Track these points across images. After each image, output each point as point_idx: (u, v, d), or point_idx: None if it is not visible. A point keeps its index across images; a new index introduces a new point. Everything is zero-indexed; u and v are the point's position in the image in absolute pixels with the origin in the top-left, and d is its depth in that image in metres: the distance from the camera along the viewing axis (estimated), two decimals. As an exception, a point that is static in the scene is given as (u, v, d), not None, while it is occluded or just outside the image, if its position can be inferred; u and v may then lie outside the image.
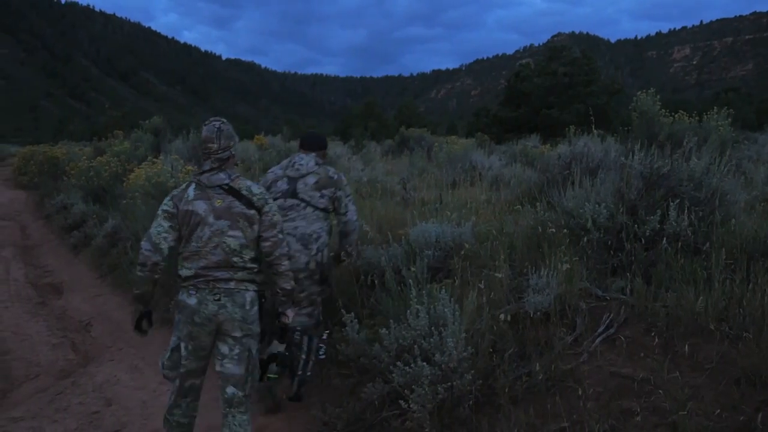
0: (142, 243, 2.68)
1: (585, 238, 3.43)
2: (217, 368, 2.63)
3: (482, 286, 3.21)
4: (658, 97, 8.90)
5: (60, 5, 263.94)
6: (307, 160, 3.54)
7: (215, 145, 2.63)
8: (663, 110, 8.64)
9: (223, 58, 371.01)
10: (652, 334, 2.78)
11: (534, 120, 31.23)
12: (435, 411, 2.66)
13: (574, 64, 33.81)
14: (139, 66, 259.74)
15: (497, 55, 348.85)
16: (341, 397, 3.18)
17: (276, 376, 3.29)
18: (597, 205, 3.48)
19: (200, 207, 2.59)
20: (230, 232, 2.58)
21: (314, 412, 3.20)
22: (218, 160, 2.65)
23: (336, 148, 13.36)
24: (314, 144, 3.66)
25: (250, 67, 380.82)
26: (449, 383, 2.66)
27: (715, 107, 8.95)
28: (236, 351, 2.59)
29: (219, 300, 2.54)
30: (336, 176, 3.57)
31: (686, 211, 3.25)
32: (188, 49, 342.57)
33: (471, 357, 2.76)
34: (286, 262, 2.71)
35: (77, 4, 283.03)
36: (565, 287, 3.11)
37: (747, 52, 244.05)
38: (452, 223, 4.26)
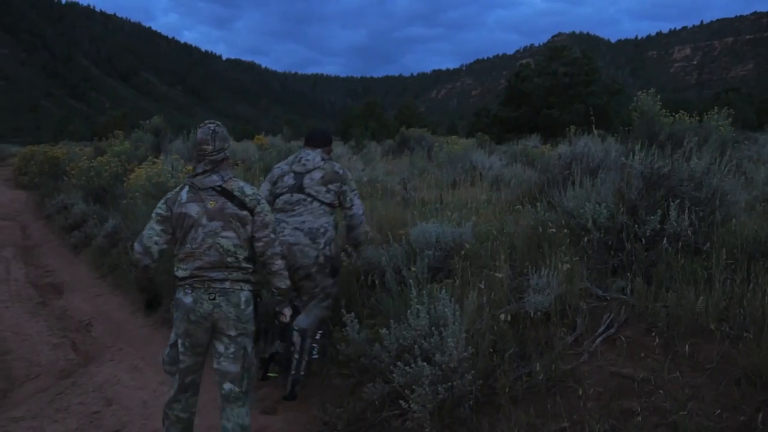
0: (135, 245, 2.76)
1: (585, 238, 3.43)
2: (215, 366, 2.68)
3: (483, 286, 3.20)
4: (659, 97, 8.90)
5: (60, 5, 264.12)
6: (313, 156, 3.60)
7: (210, 147, 2.67)
8: (663, 110, 8.63)
9: (224, 58, 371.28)
10: (653, 334, 2.78)
11: (534, 120, 31.24)
12: (435, 411, 2.66)
13: (575, 64, 33.83)
14: (139, 66, 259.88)
15: (498, 55, 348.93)
16: (342, 397, 3.18)
17: (276, 374, 3.30)
18: (597, 205, 3.47)
19: (193, 209, 2.64)
20: (223, 233, 2.62)
21: (314, 412, 3.21)
22: (212, 162, 2.68)
23: (336, 148, 13.32)
24: (320, 140, 3.73)
25: (251, 67, 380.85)
26: (450, 383, 2.66)
27: (715, 107, 8.96)
28: (231, 350, 2.63)
29: (214, 299, 2.58)
30: (341, 171, 3.64)
31: (687, 211, 3.25)
32: (188, 49, 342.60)
33: (471, 357, 2.76)
34: (279, 261, 2.74)
35: (78, 4, 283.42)
36: (566, 287, 3.11)
37: (747, 52, 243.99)
38: (453, 223, 4.26)
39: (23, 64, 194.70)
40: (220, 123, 2.79)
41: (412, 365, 2.71)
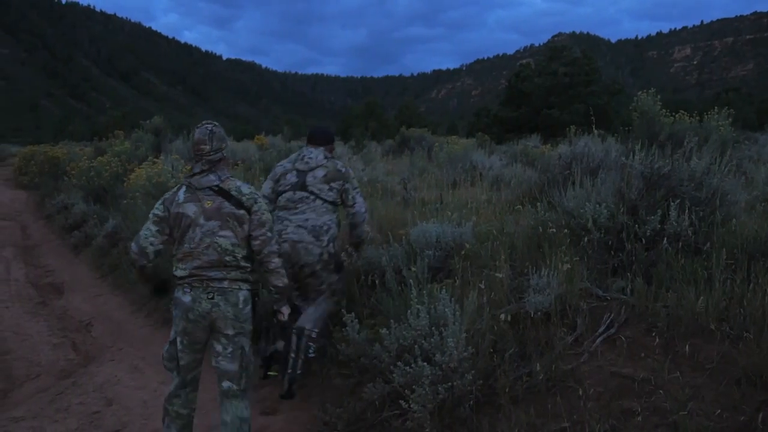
0: (132, 245, 2.79)
1: (585, 238, 3.42)
2: (213, 364, 2.71)
3: (483, 286, 3.20)
4: (659, 97, 8.90)
5: (61, 5, 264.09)
6: (316, 154, 3.63)
7: (207, 147, 2.69)
8: (663, 110, 8.63)
9: (224, 58, 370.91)
10: (653, 334, 2.78)
11: (534, 120, 31.25)
12: (435, 411, 2.66)
13: (575, 64, 33.83)
14: (139, 66, 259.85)
15: (498, 55, 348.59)
16: (342, 397, 3.18)
17: (277, 373, 3.31)
18: (597, 205, 3.47)
19: (190, 209, 2.66)
20: (221, 233, 2.64)
21: (315, 412, 3.21)
22: (209, 162, 2.70)
23: (336, 148, 13.31)
24: (322, 138, 3.76)
25: (251, 67, 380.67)
26: (450, 383, 2.66)
27: (715, 107, 8.95)
28: (230, 350, 2.67)
29: (212, 299, 2.61)
30: (344, 169, 3.67)
31: (687, 211, 3.25)
32: (189, 49, 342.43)
33: (471, 357, 2.76)
34: (276, 260, 2.76)
35: (78, 4, 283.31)
36: (566, 287, 3.11)
37: (747, 52, 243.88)
38: (453, 223, 4.26)
39: (23, 64, 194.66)
40: (217, 123, 2.82)
41: (413, 365, 2.71)
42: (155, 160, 8.18)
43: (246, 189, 2.74)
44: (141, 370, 4.24)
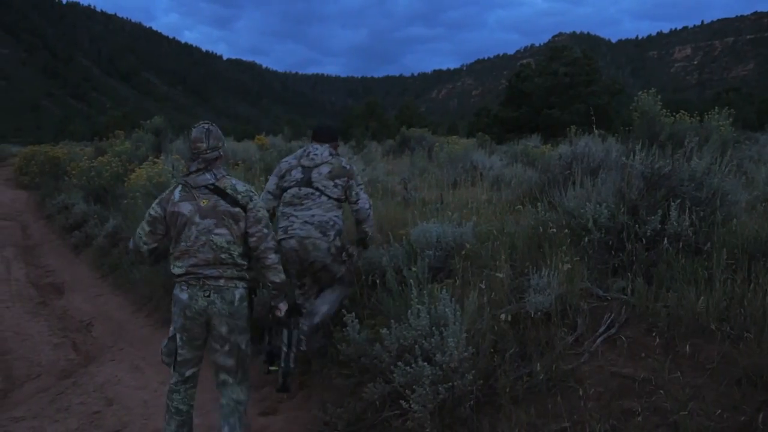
0: (130, 241, 2.91)
1: (586, 238, 3.42)
2: (211, 357, 2.80)
3: (483, 286, 3.20)
4: (659, 97, 8.89)
5: (61, 5, 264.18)
6: (321, 151, 3.68)
7: (204, 145, 2.73)
8: (664, 110, 8.63)
9: (224, 58, 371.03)
10: (653, 334, 2.78)
11: (535, 120, 31.23)
12: (436, 411, 2.66)
13: (575, 64, 33.79)
14: (140, 66, 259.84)
15: (498, 55, 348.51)
16: (342, 397, 3.17)
17: (277, 368, 3.32)
18: (598, 205, 3.47)
19: (185, 208, 2.70)
20: (216, 230, 2.68)
21: (315, 412, 3.21)
22: (205, 161, 2.74)
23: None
24: (327, 135, 3.80)
25: (251, 67, 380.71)
26: (450, 383, 2.66)
27: (716, 107, 8.93)
28: (226, 348, 2.74)
29: (209, 296, 2.66)
30: (348, 166, 3.71)
31: (687, 211, 3.25)
32: (189, 49, 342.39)
33: (472, 357, 2.76)
34: (272, 256, 2.79)
35: (78, 4, 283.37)
36: (566, 287, 3.11)
37: (748, 52, 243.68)
38: (453, 223, 4.26)
39: (24, 64, 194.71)
40: (214, 123, 2.87)
41: (413, 365, 2.71)
42: (156, 160, 8.18)
43: (241, 187, 2.78)
44: (141, 370, 4.24)
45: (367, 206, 3.72)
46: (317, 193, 3.55)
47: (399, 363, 2.77)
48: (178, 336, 2.73)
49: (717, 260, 2.97)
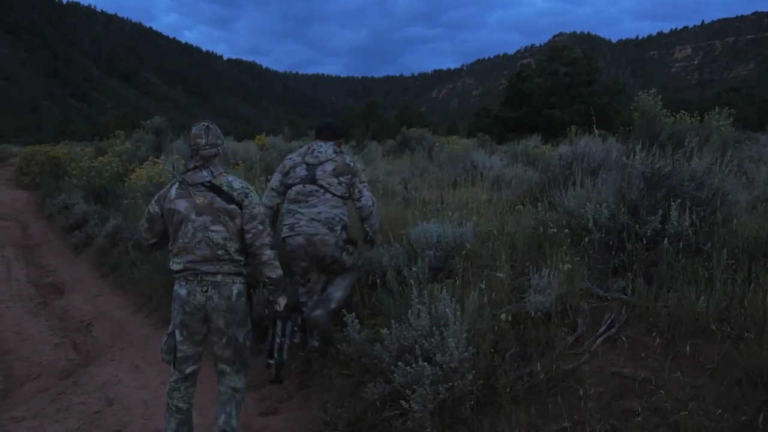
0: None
1: (586, 238, 3.42)
2: (210, 349, 2.83)
3: (483, 286, 3.20)
4: (660, 97, 8.88)
5: (61, 5, 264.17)
6: (325, 148, 3.71)
7: (202, 141, 2.77)
8: (664, 110, 8.62)
9: (225, 58, 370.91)
10: (654, 334, 2.78)
11: (535, 120, 31.21)
12: (436, 411, 2.66)
13: (576, 64, 33.77)
14: (140, 66, 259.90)
15: (498, 55, 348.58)
16: (342, 397, 3.17)
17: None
18: (598, 205, 3.47)
19: (181, 205, 2.74)
20: (213, 227, 2.72)
21: (315, 412, 3.21)
22: (203, 158, 2.78)
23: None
24: (332, 133, 3.83)
25: (252, 67, 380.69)
26: (450, 383, 2.66)
27: (716, 107, 8.93)
28: (224, 340, 2.78)
29: (206, 292, 2.71)
30: (352, 164, 3.74)
31: (688, 211, 3.25)
32: (189, 49, 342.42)
33: (472, 357, 2.76)
34: (268, 252, 2.80)
35: (79, 4, 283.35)
36: (567, 287, 3.11)
37: (748, 52, 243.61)
38: (453, 223, 4.26)
39: (24, 64, 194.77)
40: (214, 122, 2.92)
41: (413, 365, 2.71)
42: (156, 160, 8.18)
43: (237, 184, 2.80)
44: (142, 370, 4.24)
45: (370, 203, 3.74)
46: (322, 191, 3.58)
47: (399, 363, 2.77)
48: (177, 332, 2.76)
49: (717, 260, 2.97)
